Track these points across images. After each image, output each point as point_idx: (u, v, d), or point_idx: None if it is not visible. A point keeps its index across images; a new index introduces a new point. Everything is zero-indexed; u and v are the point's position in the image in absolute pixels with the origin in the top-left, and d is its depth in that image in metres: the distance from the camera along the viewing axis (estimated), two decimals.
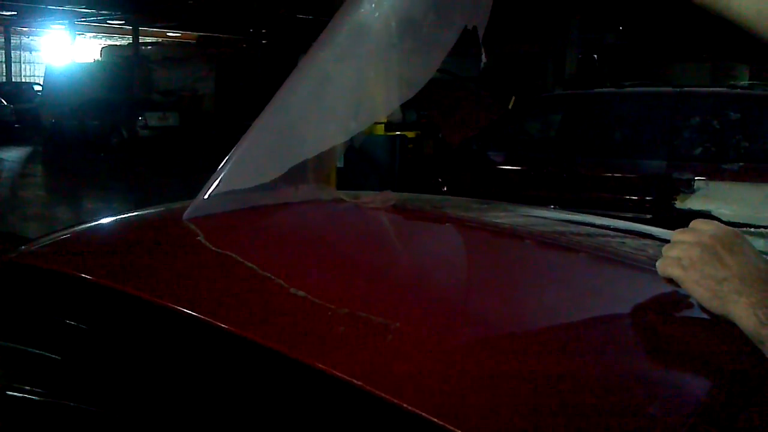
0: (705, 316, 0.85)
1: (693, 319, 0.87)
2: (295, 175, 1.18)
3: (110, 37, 32.24)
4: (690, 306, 0.84)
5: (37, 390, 1.07)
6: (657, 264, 0.89)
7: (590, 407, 0.72)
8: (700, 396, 0.79)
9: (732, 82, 7.56)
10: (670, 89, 6.64)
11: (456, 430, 0.65)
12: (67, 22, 25.71)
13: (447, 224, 1.22)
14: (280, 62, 17.91)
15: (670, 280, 0.85)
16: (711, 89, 7.06)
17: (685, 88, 6.53)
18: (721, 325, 0.92)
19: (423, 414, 0.66)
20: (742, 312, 0.81)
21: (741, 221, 5.27)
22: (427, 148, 9.48)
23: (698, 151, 5.89)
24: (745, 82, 8.91)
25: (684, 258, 0.86)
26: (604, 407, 0.72)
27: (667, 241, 1.12)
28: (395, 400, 0.68)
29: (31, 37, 35.70)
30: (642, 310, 0.95)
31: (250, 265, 0.99)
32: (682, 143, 6.02)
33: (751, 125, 5.92)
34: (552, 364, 0.79)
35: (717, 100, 6.33)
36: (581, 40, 17.31)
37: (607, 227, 1.30)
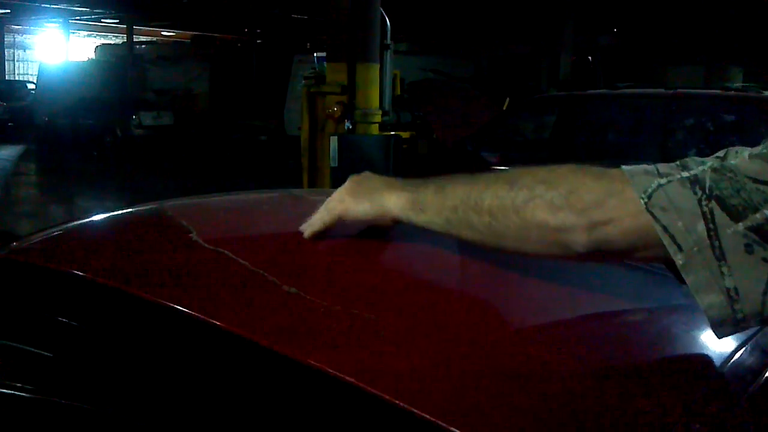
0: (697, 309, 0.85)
1: (690, 311, 0.87)
2: None
3: (105, 36, 32.22)
4: (681, 300, 0.84)
5: (27, 387, 1.07)
6: (306, 232, 1.03)
7: (588, 403, 0.72)
8: (696, 391, 0.79)
9: (726, 84, 7.59)
10: (663, 91, 6.67)
11: (450, 427, 0.64)
12: (61, 20, 25.68)
13: None
14: (275, 62, 17.93)
15: (662, 276, 0.85)
16: (704, 91, 7.09)
17: (679, 90, 6.55)
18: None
19: (417, 411, 0.66)
20: (396, 198, 0.98)
21: None
22: (421, 148, 9.49)
23: (692, 152, 5.91)
24: (738, 84, 8.93)
25: (332, 202, 1.03)
26: (600, 402, 0.72)
27: None
28: (388, 397, 0.68)
29: (24, 36, 35.64)
30: (638, 305, 0.95)
31: (243, 261, 0.99)
32: (675, 145, 6.04)
33: (744, 127, 5.94)
34: (548, 358, 0.79)
35: (711, 101, 6.35)
36: (576, 41, 17.37)
37: None
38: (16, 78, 31.93)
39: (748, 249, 0.74)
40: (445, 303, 0.93)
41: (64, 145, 17.36)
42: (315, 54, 8.20)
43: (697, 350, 0.91)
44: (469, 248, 1.00)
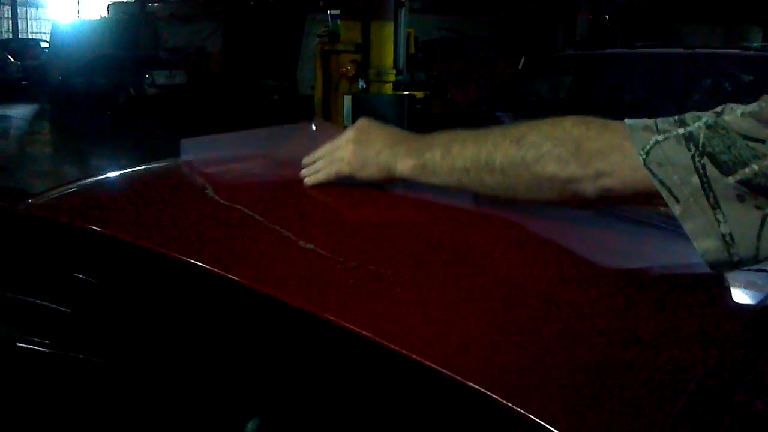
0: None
1: (701, 274, 0.86)
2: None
3: None
4: (698, 261, 0.84)
5: (46, 342, 1.08)
6: (308, 180, 1.07)
7: (594, 361, 0.72)
8: (706, 355, 0.79)
9: (745, 44, 7.47)
10: (681, 50, 6.57)
11: (463, 379, 0.65)
12: None
13: None
14: (288, 20, 17.77)
15: (682, 239, 0.85)
16: (723, 51, 6.98)
17: (697, 50, 6.46)
18: (726, 283, 0.92)
19: (430, 364, 0.66)
20: (403, 164, 1.00)
21: None
22: (435, 108, 9.42)
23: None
24: (758, 44, 8.80)
25: (337, 156, 1.05)
26: (608, 363, 0.72)
27: None
28: (403, 351, 0.68)
29: None
30: (653, 266, 0.95)
31: (258, 217, 0.99)
32: (693, 105, 5.95)
33: (763, 87, 5.86)
34: (563, 317, 0.79)
35: (729, 61, 6.27)
36: (592, 0, 17.10)
37: None
38: (29, 37, 31.84)
39: (740, 198, 0.80)
40: (460, 256, 0.93)
41: (78, 104, 17.34)
42: (329, 12, 8.13)
43: (706, 307, 0.91)
44: (480, 204, 1.00)
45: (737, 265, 0.83)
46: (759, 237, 0.80)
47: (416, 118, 7.26)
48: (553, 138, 0.90)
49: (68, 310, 1.04)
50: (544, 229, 1.00)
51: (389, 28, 7.21)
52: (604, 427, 0.63)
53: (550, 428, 0.61)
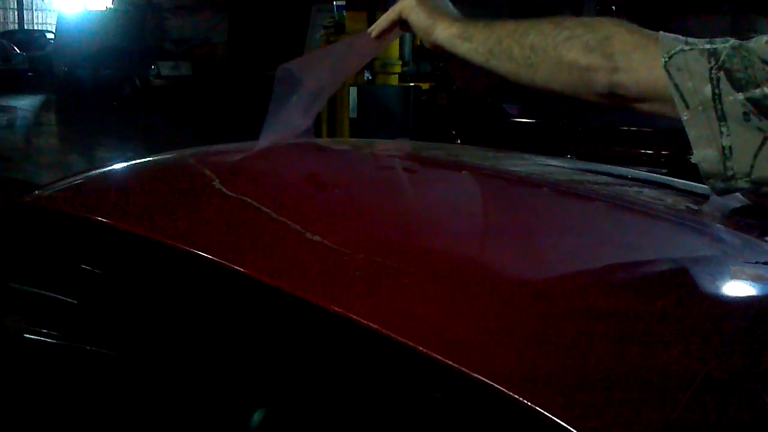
0: (722, 263, 0.85)
1: (710, 265, 0.86)
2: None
3: None
4: (708, 251, 0.84)
5: (53, 333, 1.08)
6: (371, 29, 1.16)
7: (602, 352, 0.71)
8: (717, 343, 0.78)
9: (752, 35, 7.43)
10: None
11: (471, 372, 0.65)
12: None
13: (463, 171, 1.21)
14: (294, 11, 17.73)
15: (690, 229, 0.85)
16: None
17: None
18: (736, 274, 0.91)
19: (437, 356, 0.66)
20: (443, 27, 1.07)
21: None
22: (441, 99, 9.40)
23: None
24: (766, 35, 8.73)
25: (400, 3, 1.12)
26: (619, 352, 0.72)
27: (685, 191, 1.11)
28: (411, 344, 0.68)
29: None
30: (660, 257, 0.94)
31: (266, 210, 0.99)
32: None
33: None
34: (569, 309, 0.79)
35: None
36: None
37: (624, 176, 1.29)
38: (35, 28, 31.81)
39: (746, 117, 0.85)
40: (468, 248, 0.93)
41: (83, 95, 17.34)
42: (334, 2, 8.10)
43: (716, 297, 0.91)
44: (488, 199, 1.00)
45: (730, 180, 0.88)
46: (756, 156, 0.85)
47: (422, 110, 7.24)
48: (587, 26, 0.96)
49: (75, 302, 1.04)
50: (552, 224, 1.00)
51: None
52: (612, 418, 0.63)
53: (561, 423, 0.60)
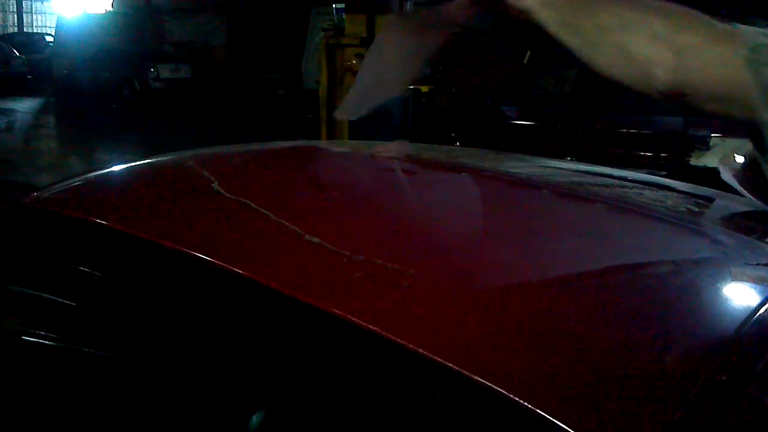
0: (722, 265, 0.84)
1: (710, 267, 0.86)
2: None
3: None
4: (708, 253, 0.84)
5: (51, 335, 1.08)
6: None
7: (604, 353, 0.71)
8: (716, 347, 0.78)
9: None
10: None
11: (470, 374, 0.64)
12: None
13: (463, 173, 1.21)
14: (292, 14, 17.73)
15: (690, 231, 0.84)
16: None
17: None
18: (736, 276, 0.91)
19: (436, 358, 0.66)
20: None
21: None
22: (440, 102, 9.40)
23: None
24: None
25: None
26: (618, 354, 0.72)
27: (685, 193, 1.11)
28: (410, 345, 0.67)
29: None
30: (660, 259, 0.94)
31: (265, 211, 0.98)
32: None
33: None
34: (568, 311, 0.78)
35: None
36: None
37: (625, 178, 1.29)
38: (35, 30, 31.81)
39: None
40: (468, 251, 0.92)
41: (83, 98, 17.34)
42: (333, 5, 8.10)
43: (715, 299, 0.91)
44: (489, 201, 0.99)
45: None
46: None
47: (421, 112, 7.24)
48: (659, 12, 0.87)
49: (73, 304, 1.04)
50: (551, 226, 1.00)
51: None
52: (610, 419, 0.63)
53: (559, 424, 0.60)
